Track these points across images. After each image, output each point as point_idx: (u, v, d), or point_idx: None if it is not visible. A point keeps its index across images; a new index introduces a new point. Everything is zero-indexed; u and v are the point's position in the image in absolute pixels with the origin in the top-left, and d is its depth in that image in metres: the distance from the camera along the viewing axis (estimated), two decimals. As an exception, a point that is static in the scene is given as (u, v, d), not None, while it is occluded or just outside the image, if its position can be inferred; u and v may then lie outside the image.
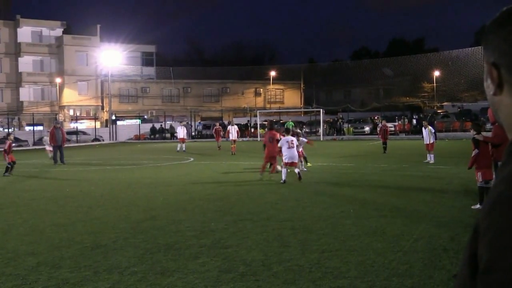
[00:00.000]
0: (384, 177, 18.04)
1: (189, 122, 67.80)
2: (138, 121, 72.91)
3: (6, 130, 67.89)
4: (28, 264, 7.81)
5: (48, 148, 29.30)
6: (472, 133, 11.73)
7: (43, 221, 11.37)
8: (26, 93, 76.97)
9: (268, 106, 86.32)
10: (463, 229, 9.19)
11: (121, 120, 75.90)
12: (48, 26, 79.21)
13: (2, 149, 23.78)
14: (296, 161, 17.65)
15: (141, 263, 7.63)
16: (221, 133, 38.46)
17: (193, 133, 66.12)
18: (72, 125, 72.58)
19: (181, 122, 45.76)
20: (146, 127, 68.47)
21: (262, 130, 60.35)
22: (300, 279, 6.67)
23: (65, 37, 78.80)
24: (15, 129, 70.94)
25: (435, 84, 78.07)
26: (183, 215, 11.62)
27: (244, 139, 55.00)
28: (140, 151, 40.92)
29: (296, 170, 17.58)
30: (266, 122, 63.89)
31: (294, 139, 17.78)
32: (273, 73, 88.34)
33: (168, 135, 63.80)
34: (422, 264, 7.17)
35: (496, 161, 11.05)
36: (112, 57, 76.86)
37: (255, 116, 64.23)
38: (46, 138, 30.17)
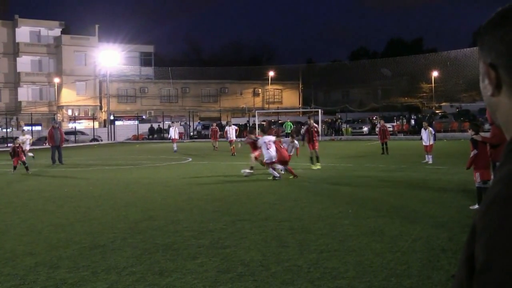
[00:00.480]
0: (382, 178, 18.05)
1: (188, 123, 67.84)
2: (136, 122, 72.93)
3: (4, 130, 67.87)
4: (26, 264, 7.80)
5: (26, 148, 27.40)
6: (470, 133, 11.72)
7: (41, 221, 11.36)
8: (25, 93, 76.92)
9: (266, 106, 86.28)
10: (461, 229, 9.19)
11: (120, 120, 75.90)
12: (47, 26, 79.20)
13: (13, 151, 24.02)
14: (275, 160, 17.94)
15: (139, 264, 7.62)
16: (218, 133, 38.38)
17: (191, 133, 66.15)
18: (71, 125, 72.61)
19: (172, 122, 45.69)
20: (145, 127, 68.47)
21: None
22: (298, 279, 6.67)
23: (63, 37, 78.79)
24: (13, 129, 70.87)
25: (433, 85, 78.08)
26: (182, 215, 11.61)
27: (243, 139, 54.84)
28: (138, 151, 40.90)
29: (277, 168, 18.17)
30: (264, 123, 64.11)
31: (272, 138, 18.17)
32: (271, 73, 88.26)
33: (166, 135, 63.82)
34: (420, 265, 7.17)
35: (494, 162, 11.04)
36: (111, 57, 76.73)
37: (254, 116, 64.23)
38: (22, 138, 28.14)
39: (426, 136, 22.65)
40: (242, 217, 11.05)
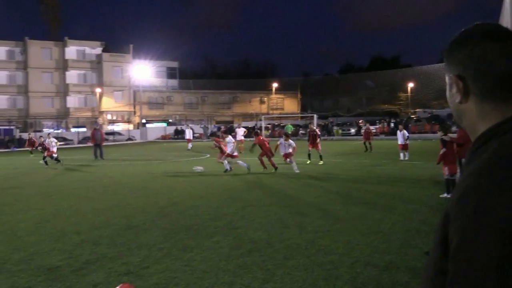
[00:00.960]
0: (366, 171, 17.96)
1: (206, 125, 67.95)
2: (164, 124, 73.05)
3: (57, 130, 68.21)
4: (73, 241, 7.83)
5: (53, 150, 24.75)
6: (440, 134, 11.68)
7: (85, 206, 11.39)
8: (72, 101, 77.11)
9: (271, 111, 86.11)
10: (433, 213, 9.15)
11: (150, 123, 76.04)
12: (90, 46, 79.30)
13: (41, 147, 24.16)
14: (236, 154, 18.84)
15: (166, 241, 7.63)
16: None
17: (209, 134, 66.21)
18: (110, 127, 72.79)
19: (187, 125, 45.45)
20: (171, 129, 68.84)
21: (266, 131, 60.40)
22: (297, 255, 6.65)
23: (104, 54, 78.93)
24: (63, 130, 71.16)
25: (409, 94, 77.74)
26: (200, 201, 11.61)
27: (252, 139, 54.85)
28: (165, 149, 40.94)
29: (233, 163, 18.56)
30: (269, 125, 64.06)
31: (232, 140, 18.93)
32: (274, 85, 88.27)
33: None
34: (399, 243, 7.14)
35: (460, 158, 11.00)
36: (142, 71, 76.92)
37: (260, 120, 64.34)
38: (48, 140, 24.81)
39: (401, 136, 22.54)
40: (250, 203, 11.04)
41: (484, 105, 1.13)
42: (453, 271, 0.97)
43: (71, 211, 10.67)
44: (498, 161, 1.02)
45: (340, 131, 59.10)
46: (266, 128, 62.36)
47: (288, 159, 18.40)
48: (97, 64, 78.80)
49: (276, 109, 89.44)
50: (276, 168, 17.90)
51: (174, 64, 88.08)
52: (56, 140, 24.74)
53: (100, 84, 77.35)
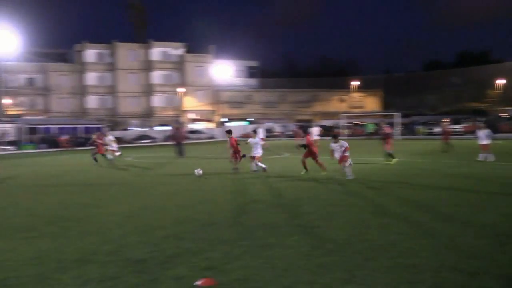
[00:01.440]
0: (452, 172, 17.14)
1: (285, 124, 68.32)
2: (245, 123, 74.14)
3: (143, 129, 71.24)
4: (159, 235, 8.13)
5: (111, 148, 25.09)
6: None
7: (169, 202, 11.78)
8: (156, 100, 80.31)
9: (351, 110, 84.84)
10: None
11: (230, 122, 77.40)
12: (173, 47, 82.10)
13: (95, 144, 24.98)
14: (256, 155, 18.78)
15: (246, 238, 7.73)
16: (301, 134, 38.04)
17: (288, 133, 66.40)
18: (192, 126, 74.96)
19: (258, 125, 45.70)
20: (251, 128, 69.68)
21: (347, 130, 59.58)
22: (379, 257, 6.50)
23: (186, 55, 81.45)
24: (148, 128, 74.20)
25: (499, 91, 73.57)
26: (279, 200, 11.64)
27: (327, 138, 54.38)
28: (246, 147, 41.42)
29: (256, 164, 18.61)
30: (350, 124, 63.09)
31: (258, 140, 19.04)
32: (355, 83, 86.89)
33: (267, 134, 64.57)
34: (488, 248, 6.79)
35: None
36: (223, 71, 78.54)
37: (340, 119, 63.67)
38: (106, 139, 25.17)
39: (482, 136, 21.28)
40: (330, 202, 10.92)
41: None
42: None
43: (156, 207, 11.09)
44: None
45: (423, 130, 57.12)
46: (347, 127, 61.52)
47: (344, 163, 15.67)
48: (179, 65, 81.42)
49: (357, 107, 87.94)
50: (324, 169, 16.63)
51: (254, 64, 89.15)
52: (113, 138, 25.28)
53: (183, 84, 79.82)
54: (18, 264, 6.62)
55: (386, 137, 21.22)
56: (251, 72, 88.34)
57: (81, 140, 54.81)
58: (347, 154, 15.65)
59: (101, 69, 78.94)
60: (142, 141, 64.12)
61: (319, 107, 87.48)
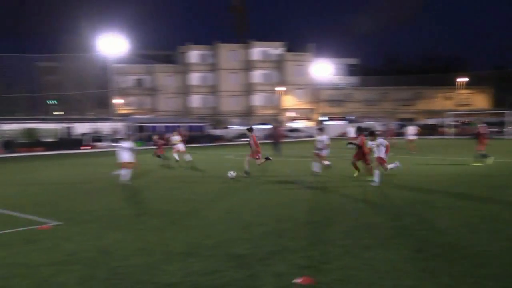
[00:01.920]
0: None
1: (387, 123, 66.44)
2: (345, 122, 73.24)
3: (246, 127, 72.75)
4: (258, 232, 8.27)
5: (180, 148, 24.43)
6: None
7: (269, 199, 11.94)
8: (256, 99, 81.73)
9: (458, 108, 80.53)
10: None
11: (333, 120, 76.78)
12: (273, 47, 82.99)
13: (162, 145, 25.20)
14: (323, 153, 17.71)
15: (347, 238, 7.63)
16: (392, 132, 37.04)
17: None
18: (291, 125, 75.37)
19: (351, 123, 44.79)
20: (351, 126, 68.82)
21: (452, 129, 56.70)
22: (489, 264, 6.12)
23: (286, 54, 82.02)
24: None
25: None
26: (379, 199, 11.35)
27: (431, 137, 52.21)
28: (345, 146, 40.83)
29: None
30: (457, 122, 59.97)
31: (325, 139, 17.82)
32: (462, 79, 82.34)
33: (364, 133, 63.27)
34: None
35: None
36: (323, 69, 78.05)
37: (445, 117, 60.76)
38: (173, 139, 24.77)
39: None
40: (434, 205, 10.47)
41: None
42: None
43: (256, 204, 11.29)
44: None
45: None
46: (455, 126, 58.59)
47: (385, 165, 14.85)
48: (279, 64, 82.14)
49: (464, 105, 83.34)
50: (370, 175, 15.20)
51: (354, 61, 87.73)
52: (179, 138, 24.51)
53: (282, 83, 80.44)
54: (128, 254, 7.07)
55: (480, 137, 19.98)
56: (351, 70, 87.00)
57: (186, 137, 57.18)
58: (383, 156, 14.58)
59: (203, 70, 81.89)
60: (242, 139, 65.59)
61: (422, 105, 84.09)
